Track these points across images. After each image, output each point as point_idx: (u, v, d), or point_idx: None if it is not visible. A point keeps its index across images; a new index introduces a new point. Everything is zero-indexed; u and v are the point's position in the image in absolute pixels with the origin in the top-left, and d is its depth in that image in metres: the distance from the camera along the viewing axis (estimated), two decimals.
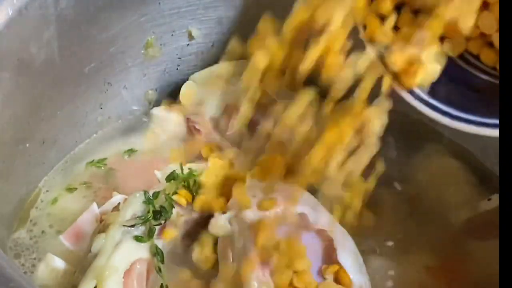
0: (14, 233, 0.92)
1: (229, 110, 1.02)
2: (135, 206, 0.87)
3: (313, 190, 0.90)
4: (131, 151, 1.00)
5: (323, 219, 0.88)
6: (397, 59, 0.76)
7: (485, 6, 0.76)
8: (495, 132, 0.74)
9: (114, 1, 0.95)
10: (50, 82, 0.93)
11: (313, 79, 0.80)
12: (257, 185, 0.88)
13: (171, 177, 0.91)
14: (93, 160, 0.99)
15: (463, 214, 0.95)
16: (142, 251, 0.84)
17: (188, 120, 1.02)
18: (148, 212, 0.87)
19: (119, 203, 0.90)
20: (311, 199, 0.89)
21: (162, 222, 0.86)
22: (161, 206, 0.87)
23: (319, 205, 0.90)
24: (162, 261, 0.83)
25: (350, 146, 0.80)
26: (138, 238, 0.84)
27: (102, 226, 0.88)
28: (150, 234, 0.85)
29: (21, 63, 0.86)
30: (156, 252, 0.84)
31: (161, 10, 1.00)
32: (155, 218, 0.86)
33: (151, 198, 0.87)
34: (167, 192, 0.88)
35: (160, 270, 0.83)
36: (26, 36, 0.85)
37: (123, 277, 0.81)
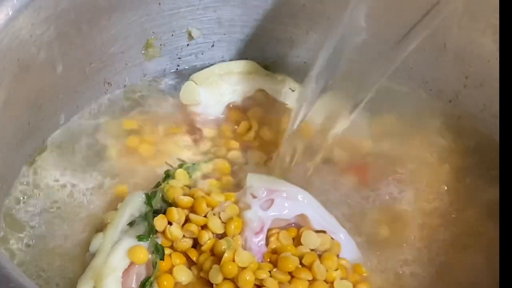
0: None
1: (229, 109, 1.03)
2: (133, 206, 0.87)
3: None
4: (131, 150, 1.00)
5: (325, 220, 0.89)
6: None
7: None
8: None
9: (114, 1, 0.95)
10: (50, 82, 0.93)
11: None
12: (258, 185, 0.89)
13: (167, 175, 0.92)
14: (94, 158, 0.99)
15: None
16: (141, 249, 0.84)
17: (188, 119, 1.03)
18: (148, 211, 0.87)
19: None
20: (312, 201, 0.90)
21: None
22: (162, 204, 0.88)
23: (320, 207, 0.90)
24: (162, 258, 0.83)
25: None
26: (139, 237, 0.84)
27: (100, 225, 0.88)
28: (150, 232, 0.85)
29: (21, 63, 0.86)
30: (156, 249, 0.84)
31: (161, 10, 1.00)
32: (155, 216, 0.86)
33: (150, 196, 0.88)
34: (165, 191, 0.88)
35: (155, 266, 0.83)
36: (26, 36, 0.85)
37: (122, 277, 0.81)
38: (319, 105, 0.86)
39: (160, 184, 0.90)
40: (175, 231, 0.84)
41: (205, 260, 0.83)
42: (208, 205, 0.86)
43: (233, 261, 0.81)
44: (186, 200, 0.87)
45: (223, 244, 0.83)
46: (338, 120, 0.87)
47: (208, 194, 0.88)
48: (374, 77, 0.81)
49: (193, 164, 0.95)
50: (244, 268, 0.81)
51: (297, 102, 0.90)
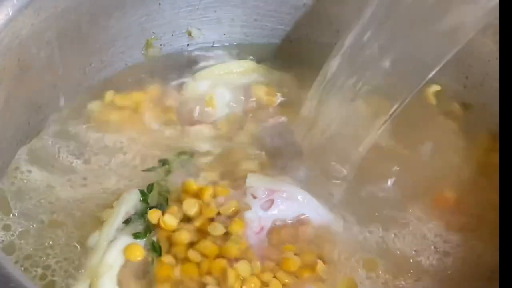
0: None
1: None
2: (129, 204, 0.87)
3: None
4: (131, 146, 1.00)
5: (324, 219, 0.89)
6: None
7: None
8: None
9: (114, 1, 0.95)
10: (50, 82, 0.93)
11: None
12: (258, 186, 0.89)
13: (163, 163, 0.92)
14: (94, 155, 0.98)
15: None
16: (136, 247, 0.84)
17: (189, 118, 1.03)
18: (145, 209, 0.87)
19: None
20: (312, 201, 0.90)
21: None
22: (158, 201, 0.88)
23: (320, 206, 0.90)
24: (160, 255, 0.83)
25: None
26: (135, 235, 0.84)
27: (96, 223, 0.88)
28: (147, 230, 0.85)
29: (21, 63, 0.86)
30: (153, 247, 0.84)
31: (161, 10, 1.00)
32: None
33: (146, 193, 0.88)
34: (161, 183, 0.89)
35: (152, 262, 0.83)
36: (26, 36, 0.85)
37: (119, 274, 0.81)
38: (348, 114, 0.86)
39: (154, 169, 0.91)
40: (169, 220, 0.84)
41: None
42: (214, 194, 0.87)
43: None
44: (195, 187, 0.87)
45: (232, 243, 0.83)
46: (369, 132, 0.88)
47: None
48: (407, 90, 0.81)
49: (190, 155, 0.95)
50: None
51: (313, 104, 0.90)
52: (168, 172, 0.92)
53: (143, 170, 0.91)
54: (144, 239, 0.84)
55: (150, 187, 0.89)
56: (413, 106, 0.96)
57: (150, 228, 0.85)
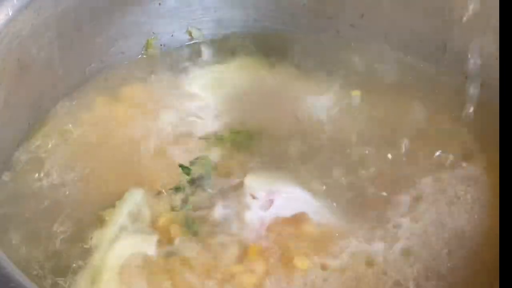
0: None
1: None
2: (132, 203, 0.87)
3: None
4: (132, 141, 0.99)
5: (324, 217, 0.89)
6: None
7: None
8: None
9: (114, 1, 0.95)
10: (50, 82, 0.93)
11: None
12: (257, 186, 0.89)
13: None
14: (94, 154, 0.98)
15: None
16: (139, 247, 0.84)
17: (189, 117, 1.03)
18: (187, 181, 0.88)
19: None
20: (311, 200, 0.90)
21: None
22: (200, 175, 0.89)
23: (319, 204, 0.90)
24: (195, 234, 0.84)
25: None
26: (172, 208, 0.85)
27: (98, 222, 0.88)
28: (184, 202, 0.85)
29: (21, 63, 0.86)
30: (187, 224, 0.84)
31: (161, 10, 1.00)
32: (192, 186, 0.87)
33: (187, 167, 0.89)
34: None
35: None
36: (26, 36, 0.85)
37: (121, 273, 0.82)
38: None
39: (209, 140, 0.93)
40: None
41: None
42: None
43: None
44: None
45: None
46: None
47: None
48: None
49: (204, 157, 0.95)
50: None
51: None
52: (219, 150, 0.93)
53: (200, 138, 0.93)
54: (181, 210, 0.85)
55: (194, 161, 0.90)
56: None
57: (187, 200, 0.85)
